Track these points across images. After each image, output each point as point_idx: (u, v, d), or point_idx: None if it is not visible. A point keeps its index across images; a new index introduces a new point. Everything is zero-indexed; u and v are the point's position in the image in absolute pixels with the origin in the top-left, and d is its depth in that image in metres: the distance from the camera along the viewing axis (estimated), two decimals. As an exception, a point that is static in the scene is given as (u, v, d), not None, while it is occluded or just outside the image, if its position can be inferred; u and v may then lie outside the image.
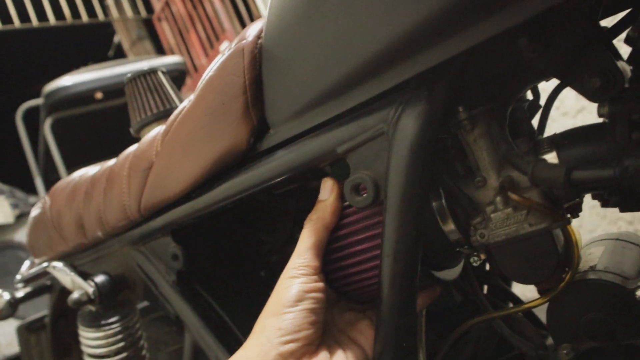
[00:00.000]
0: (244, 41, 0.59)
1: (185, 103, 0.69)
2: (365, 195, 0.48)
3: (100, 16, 4.34)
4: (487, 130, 0.47)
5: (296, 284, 0.48)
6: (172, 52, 4.01)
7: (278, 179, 0.58)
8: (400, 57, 0.43)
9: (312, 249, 0.51)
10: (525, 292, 1.45)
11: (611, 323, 0.46)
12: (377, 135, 0.47)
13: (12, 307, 1.03)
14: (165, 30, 4.13)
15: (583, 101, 1.56)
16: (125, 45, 4.78)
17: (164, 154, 0.70)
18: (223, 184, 0.64)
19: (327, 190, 0.53)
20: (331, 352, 0.49)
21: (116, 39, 4.83)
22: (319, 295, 0.49)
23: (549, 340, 0.55)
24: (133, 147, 0.81)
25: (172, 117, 0.70)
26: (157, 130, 0.76)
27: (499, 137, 0.45)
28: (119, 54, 4.84)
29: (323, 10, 0.47)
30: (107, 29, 4.73)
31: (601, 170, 0.37)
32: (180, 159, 0.67)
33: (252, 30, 0.60)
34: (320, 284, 0.49)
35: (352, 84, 0.47)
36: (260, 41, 0.58)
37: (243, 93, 0.58)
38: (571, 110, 1.60)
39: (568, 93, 1.59)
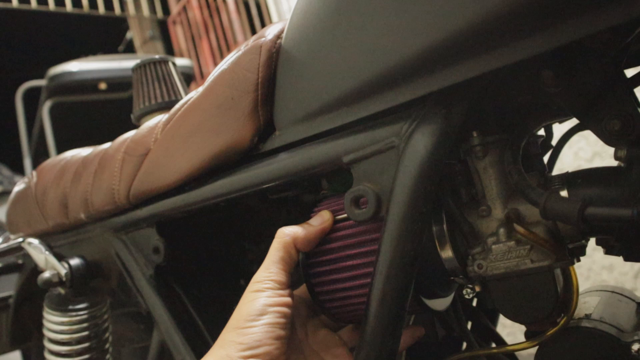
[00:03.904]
0: (263, 39, 0.58)
1: (192, 94, 0.67)
2: (365, 209, 0.47)
3: (117, 10, 4.35)
4: (499, 159, 0.46)
5: (259, 297, 0.46)
6: (182, 56, 4.03)
7: (276, 182, 0.56)
8: (422, 71, 0.42)
9: (279, 263, 0.49)
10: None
11: (602, 376, 0.44)
12: (386, 149, 0.46)
13: (-23, 282, 0.99)
14: (178, 34, 4.15)
15: (596, 147, 1.57)
16: (137, 43, 4.80)
17: (163, 142, 0.68)
18: (219, 181, 0.62)
19: (321, 219, 0.51)
20: None
21: (129, 35, 4.85)
22: (283, 309, 0.46)
23: (532, 388, 0.53)
24: (131, 133, 0.79)
25: (177, 106, 0.69)
26: (158, 118, 0.74)
27: (511, 167, 0.44)
28: (129, 50, 4.86)
29: (350, 17, 0.46)
30: (121, 24, 4.75)
31: (618, 209, 0.36)
32: (179, 149, 0.65)
33: (272, 29, 0.59)
34: (286, 299, 0.47)
35: (369, 93, 0.46)
36: (279, 41, 0.57)
37: (254, 90, 0.57)
38: (586, 155, 1.61)
39: (580, 139, 1.60)
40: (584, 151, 1.63)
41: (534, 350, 0.49)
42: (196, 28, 3.92)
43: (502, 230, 0.45)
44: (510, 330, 1.78)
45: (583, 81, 0.43)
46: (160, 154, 0.68)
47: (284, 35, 0.57)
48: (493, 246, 0.45)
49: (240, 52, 0.60)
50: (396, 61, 0.43)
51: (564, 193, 0.43)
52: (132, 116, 0.96)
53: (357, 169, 0.48)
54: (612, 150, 0.44)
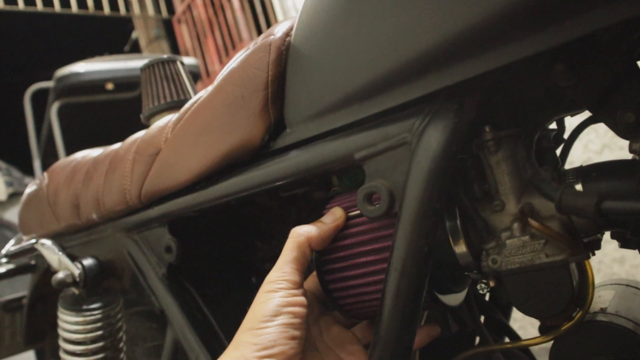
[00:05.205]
0: (272, 37, 0.58)
1: (201, 93, 0.68)
2: (378, 205, 0.47)
3: (122, 11, 4.37)
4: (512, 153, 0.46)
5: (273, 298, 0.46)
6: (188, 55, 4.03)
7: (288, 180, 0.56)
8: (433, 66, 0.42)
9: (292, 263, 0.49)
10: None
11: (619, 369, 0.44)
12: (399, 145, 0.46)
13: (-8, 282, 1.00)
14: (184, 33, 4.16)
15: (605, 139, 1.55)
16: (142, 43, 4.81)
17: (173, 141, 0.68)
18: (230, 179, 0.62)
19: (333, 217, 0.52)
20: None
21: (134, 35, 4.86)
22: (297, 309, 0.46)
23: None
24: (141, 133, 0.79)
25: (186, 105, 0.69)
26: (168, 118, 0.75)
27: (525, 161, 0.44)
28: (135, 50, 4.87)
29: (361, 12, 0.46)
30: (126, 24, 4.77)
31: (635, 202, 0.35)
32: (190, 148, 0.65)
33: (281, 27, 0.59)
34: (300, 298, 0.47)
35: (380, 90, 0.46)
36: (288, 39, 0.57)
37: (264, 88, 0.57)
38: (595, 147, 1.60)
39: (590, 132, 1.58)
40: (593, 143, 1.62)
41: (547, 345, 0.49)
42: (201, 26, 3.92)
43: (516, 225, 0.45)
44: (521, 324, 1.78)
45: (596, 74, 0.43)
46: (171, 153, 0.68)
47: (293, 32, 0.57)
48: (507, 241, 0.45)
49: (249, 51, 0.60)
50: (407, 57, 0.43)
51: (578, 187, 0.43)
52: (141, 116, 0.97)
53: (370, 166, 0.48)
54: (621, 142, 0.44)
